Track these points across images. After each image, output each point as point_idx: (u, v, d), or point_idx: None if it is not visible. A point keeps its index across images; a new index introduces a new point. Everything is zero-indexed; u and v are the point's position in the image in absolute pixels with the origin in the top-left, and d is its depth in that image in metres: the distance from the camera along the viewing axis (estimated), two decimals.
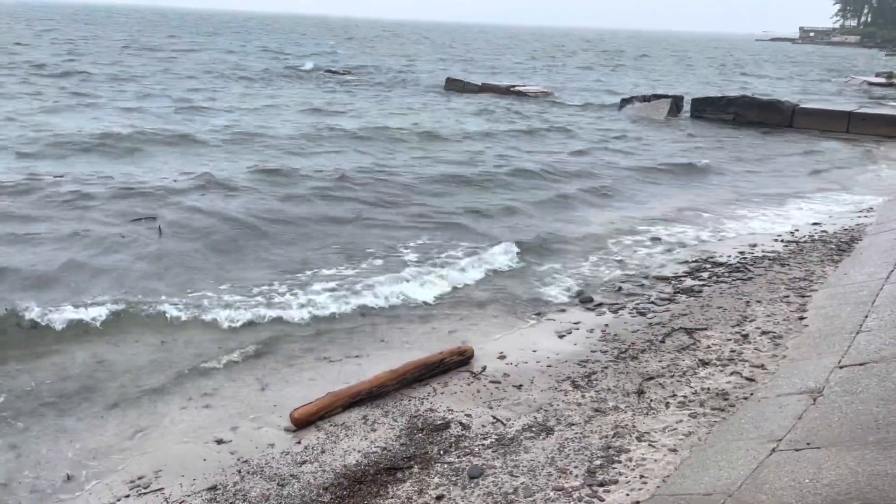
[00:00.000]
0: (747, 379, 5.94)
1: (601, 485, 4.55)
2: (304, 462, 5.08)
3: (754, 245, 10.55)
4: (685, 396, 5.76)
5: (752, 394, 5.59)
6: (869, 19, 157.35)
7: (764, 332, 6.94)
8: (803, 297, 7.89)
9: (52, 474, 5.00)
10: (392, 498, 4.63)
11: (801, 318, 7.14)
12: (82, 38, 61.31)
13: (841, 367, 5.24)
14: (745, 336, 6.93)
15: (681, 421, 5.34)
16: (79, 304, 7.57)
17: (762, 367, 6.14)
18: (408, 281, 8.77)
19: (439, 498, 4.58)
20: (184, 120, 20.78)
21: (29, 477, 4.98)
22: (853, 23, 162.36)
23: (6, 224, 10.18)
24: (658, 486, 4.41)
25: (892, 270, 7.44)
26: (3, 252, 9.06)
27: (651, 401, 5.74)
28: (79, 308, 7.45)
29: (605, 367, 6.47)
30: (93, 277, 8.48)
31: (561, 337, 7.33)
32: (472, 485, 4.69)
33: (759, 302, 7.90)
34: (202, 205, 11.59)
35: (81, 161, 14.88)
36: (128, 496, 4.77)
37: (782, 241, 10.78)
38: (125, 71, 34.16)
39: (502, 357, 6.81)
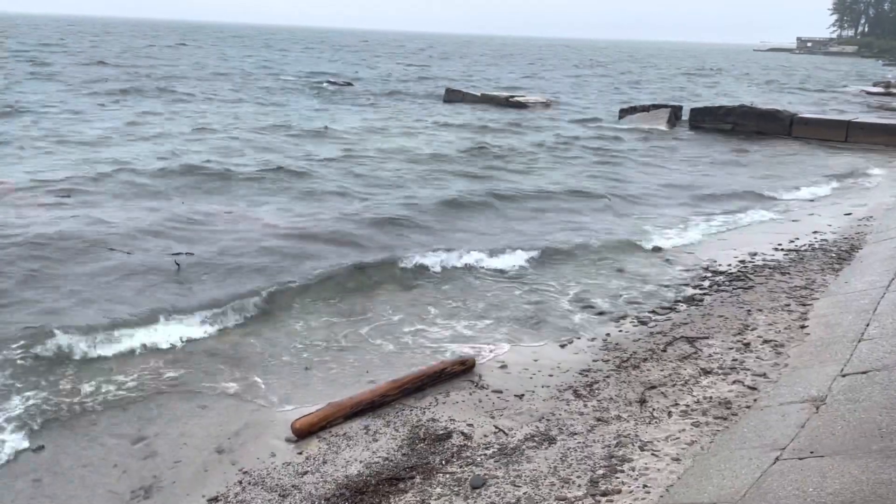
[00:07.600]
0: (749, 387, 5.93)
1: (604, 494, 4.53)
2: (306, 473, 5.07)
3: (754, 253, 10.55)
4: (687, 405, 5.75)
5: (754, 402, 5.58)
6: (866, 29, 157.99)
7: (765, 341, 6.94)
8: (804, 305, 7.88)
9: None
10: None
11: (803, 327, 7.14)
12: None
13: (843, 376, 5.23)
14: (747, 345, 6.92)
15: (683, 430, 5.33)
16: None
17: (764, 375, 6.13)
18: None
19: None
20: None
21: None
22: (850, 33, 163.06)
23: None
24: (661, 496, 4.40)
25: (893, 279, 7.44)
26: None
27: (653, 410, 5.73)
28: None
29: (607, 377, 6.46)
30: None
31: (562, 346, 7.31)
32: (475, 495, 4.66)
33: (760, 310, 7.89)
34: None
35: None
36: None
37: (782, 249, 10.78)
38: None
39: (504, 366, 6.80)
